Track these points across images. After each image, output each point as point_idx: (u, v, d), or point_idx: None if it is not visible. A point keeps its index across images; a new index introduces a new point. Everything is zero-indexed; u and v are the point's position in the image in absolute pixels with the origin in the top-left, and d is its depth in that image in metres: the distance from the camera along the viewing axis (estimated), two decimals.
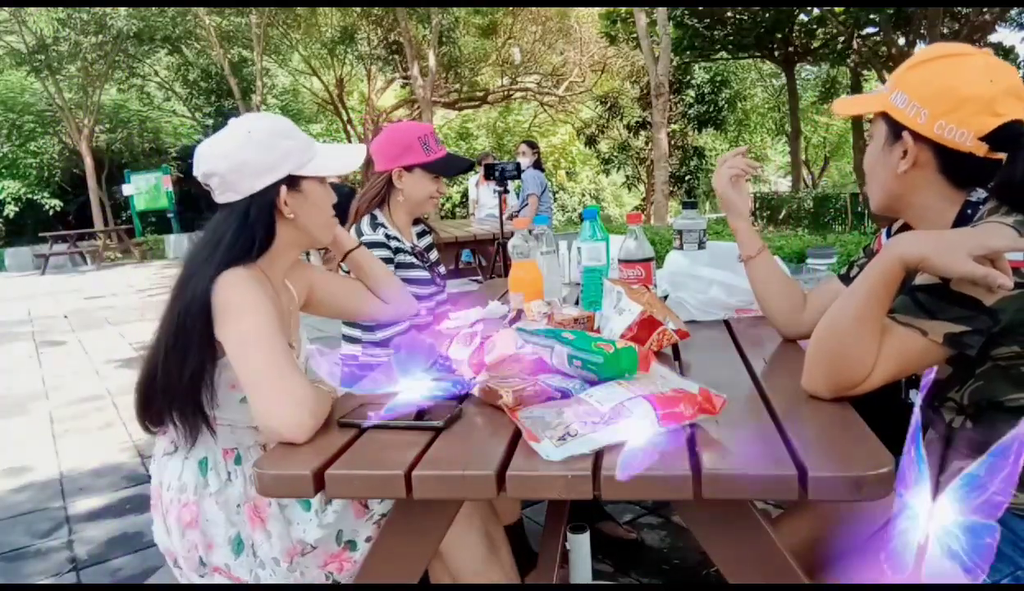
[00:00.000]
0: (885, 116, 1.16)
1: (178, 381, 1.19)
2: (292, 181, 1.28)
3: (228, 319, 1.16)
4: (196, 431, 1.22)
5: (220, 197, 1.27)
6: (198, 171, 1.27)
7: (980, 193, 1.11)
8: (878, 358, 1.05)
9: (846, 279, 1.39)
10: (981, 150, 1.09)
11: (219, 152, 1.25)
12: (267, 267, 1.29)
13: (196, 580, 1.29)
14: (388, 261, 1.97)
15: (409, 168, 2.04)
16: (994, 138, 1.08)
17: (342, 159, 1.37)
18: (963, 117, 1.08)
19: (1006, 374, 1.06)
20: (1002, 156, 1.08)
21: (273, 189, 1.26)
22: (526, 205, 6.49)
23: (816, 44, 16.69)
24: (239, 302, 1.16)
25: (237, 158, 1.24)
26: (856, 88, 17.40)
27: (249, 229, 1.25)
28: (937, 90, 1.09)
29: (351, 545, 1.32)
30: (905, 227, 1.28)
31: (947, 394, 1.14)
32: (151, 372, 1.24)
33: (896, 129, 1.14)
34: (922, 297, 1.02)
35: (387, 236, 2.01)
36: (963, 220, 1.10)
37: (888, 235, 1.33)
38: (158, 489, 1.31)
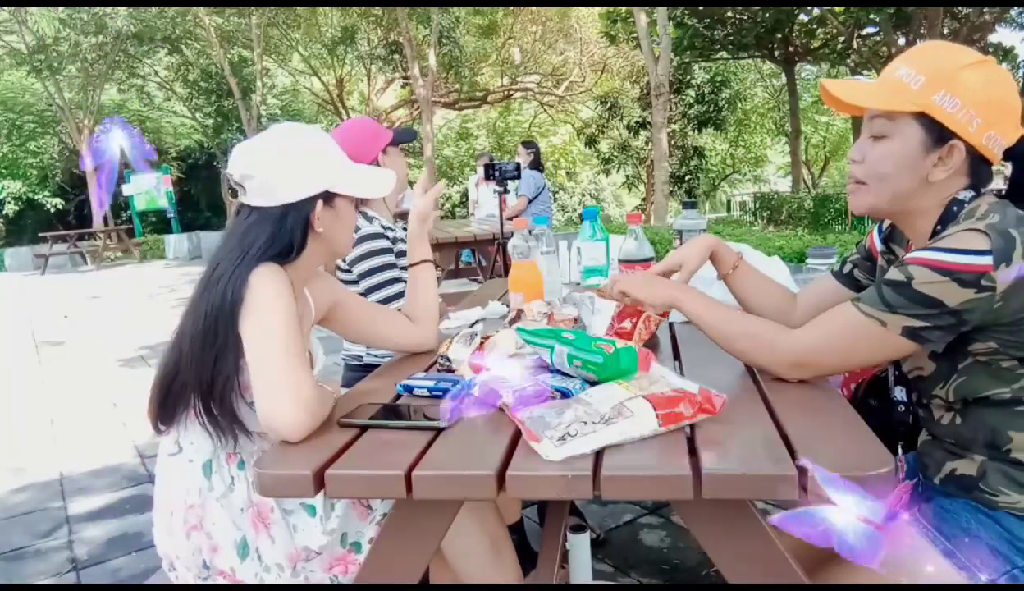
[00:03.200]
0: (923, 117, 1.07)
1: (211, 382, 1.18)
2: (327, 197, 1.29)
3: (253, 310, 1.16)
4: (226, 432, 1.21)
5: (252, 200, 1.26)
6: (234, 171, 1.25)
7: (967, 193, 1.12)
8: (823, 331, 1.10)
9: (840, 275, 1.41)
10: (998, 159, 1.10)
11: (260, 157, 1.25)
12: (291, 274, 1.29)
13: (199, 583, 1.29)
14: (387, 251, 1.97)
15: (384, 150, 2.10)
16: (1012, 150, 1.10)
17: (375, 182, 1.37)
18: (1006, 128, 1.08)
19: (987, 369, 1.08)
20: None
21: (310, 202, 1.27)
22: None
23: (816, 44, 16.68)
24: (268, 295, 1.17)
25: (278, 166, 1.24)
26: None
27: (284, 236, 1.25)
28: (991, 98, 1.06)
29: (356, 547, 1.31)
30: (892, 225, 1.28)
31: (933, 392, 1.15)
32: (174, 371, 1.23)
33: (940, 134, 1.08)
34: (887, 291, 1.04)
35: (384, 226, 2.02)
36: (948, 217, 1.11)
37: (880, 232, 1.33)
38: (162, 490, 1.31)
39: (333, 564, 1.30)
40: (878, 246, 1.34)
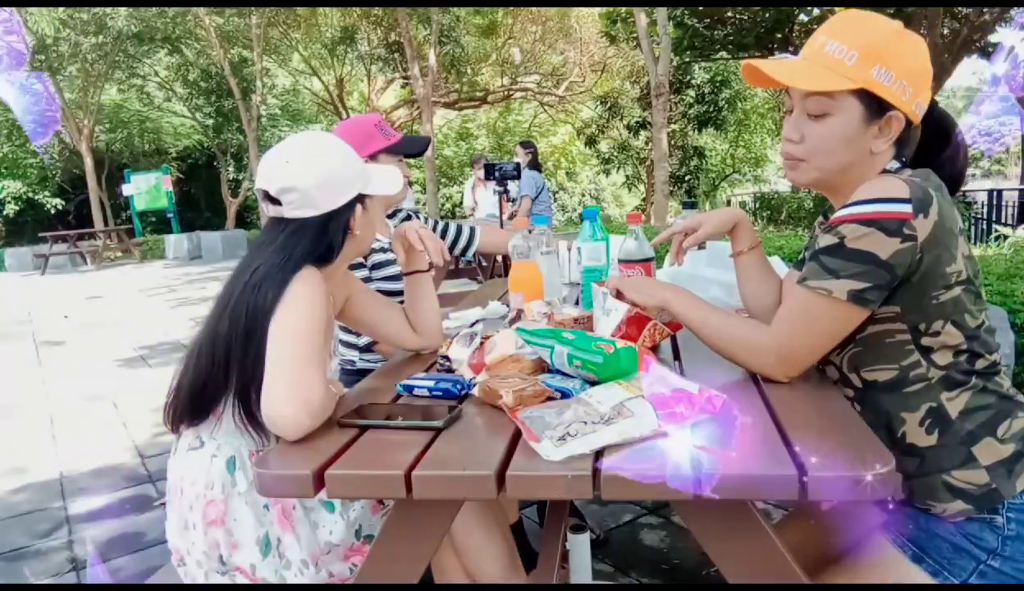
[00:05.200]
0: (862, 92, 1.09)
1: (256, 383, 1.17)
2: (361, 199, 1.33)
3: (284, 310, 1.17)
4: (268, 433, 1.21)
5: (293, 212, 1.27)
6: (271, 185, 1.26)
7: (893, 163, 1.15)
8: (789, 323, 1.11)
9: (798, 265, 1.42)
10: (918, 122, 1.14)
11: (301, 168, 1.25)
12: (326, 275, 1.30)
13: (213, 579, 1.28)
14: (360, 265, 1.95)
15: (373, 156, 2.01)
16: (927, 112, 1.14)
17: (392, 179, 1.40)
18: (927, 94, 1.12)
19: (880, 341, 1.10)
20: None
21: (351, 207, 1.30)
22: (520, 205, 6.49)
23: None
24: (303, 296, 1.18)
25: (321, 175, 1.26)
26: None
27: (325, 242, 1.27)
28: (918, 68, 1.10)
29: (369, 539, 1.33)
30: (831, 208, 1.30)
31: (829, 357, 1.17)
32: (206, 374, 1.23)
33: (880, 108, 1.10)
34: (825, 259, 1.06)
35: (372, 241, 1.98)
36: None
37: (824, 216, 1.35)
38: (178, 484, 1.30)
39: (349, 554, 1.31)
40: (821, 221, 1.36)
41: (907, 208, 1.01)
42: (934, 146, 1.17)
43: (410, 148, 2.11)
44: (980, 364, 1.09)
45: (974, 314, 1.08)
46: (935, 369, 1.09)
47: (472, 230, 2.37)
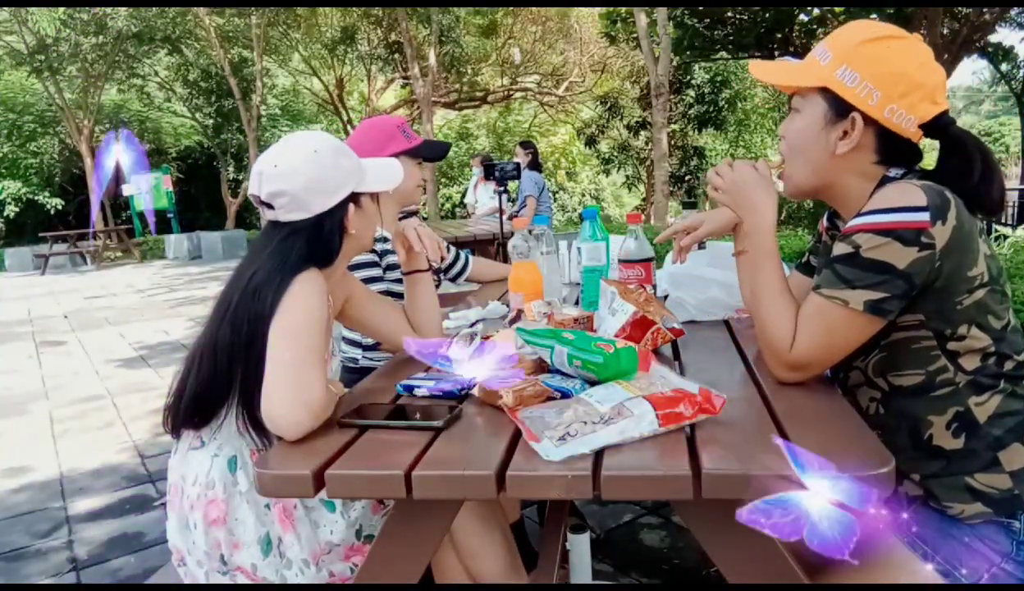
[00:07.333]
0: (826, 92, 1.12)
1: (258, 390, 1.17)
2: (355, 198, 1.32)
3: (285, 311, 1.16)
4: (271, 438, 1.20)
5: (286, 216, 1.27)
6: (261, 191, 1.25)
7: (897, 171, 1.13)
8: (804, 330, 1.09)
9: (801, 267, 1.42)
10: (917, 136, 1.11)
11: (288, 171, 1.25)
12: (327, 276, 1.30)
13: (213, 579, 1.28)
14: (374, 264, 1.95)
15: (394, 156, 2.01)
16: (931, 126, 1.10)
17: (389, 174, 1.39)
18: (913, 102, 1.09)
19: (906, 347, 1.09)
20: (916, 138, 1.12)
21: (343, 206, 1.30)
22: (524, 206, 6.50)
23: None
24: (304, 297, 1.18)
25: (309, 177, 1.25)
26: None
27: (322, 244, 1.27)
28: (892, 72, 1.08)
29: (369, 539, 1.32)
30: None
31: (853, 363, 1.17)
32: (208, 382, 1.23)
33: (841, 108, 1.11)
34: (840, 268, 1.05)
35: (374, 238, 1.99)
36: None
37: (829, 218, 1.34)
38: (179, 484, 1.30)
39: (349, 554, 1.31)
40: (825, 224, 1.35)
41: (924, 217, 0.99)
42: (957, 170, 1.11)
43: (430, 152, 2.12)
44: (1008, 366, 1.08)
45: (999, 315, 1.07)
46: (962, 374, 1.07)
47: (467, 258, 2.42)
